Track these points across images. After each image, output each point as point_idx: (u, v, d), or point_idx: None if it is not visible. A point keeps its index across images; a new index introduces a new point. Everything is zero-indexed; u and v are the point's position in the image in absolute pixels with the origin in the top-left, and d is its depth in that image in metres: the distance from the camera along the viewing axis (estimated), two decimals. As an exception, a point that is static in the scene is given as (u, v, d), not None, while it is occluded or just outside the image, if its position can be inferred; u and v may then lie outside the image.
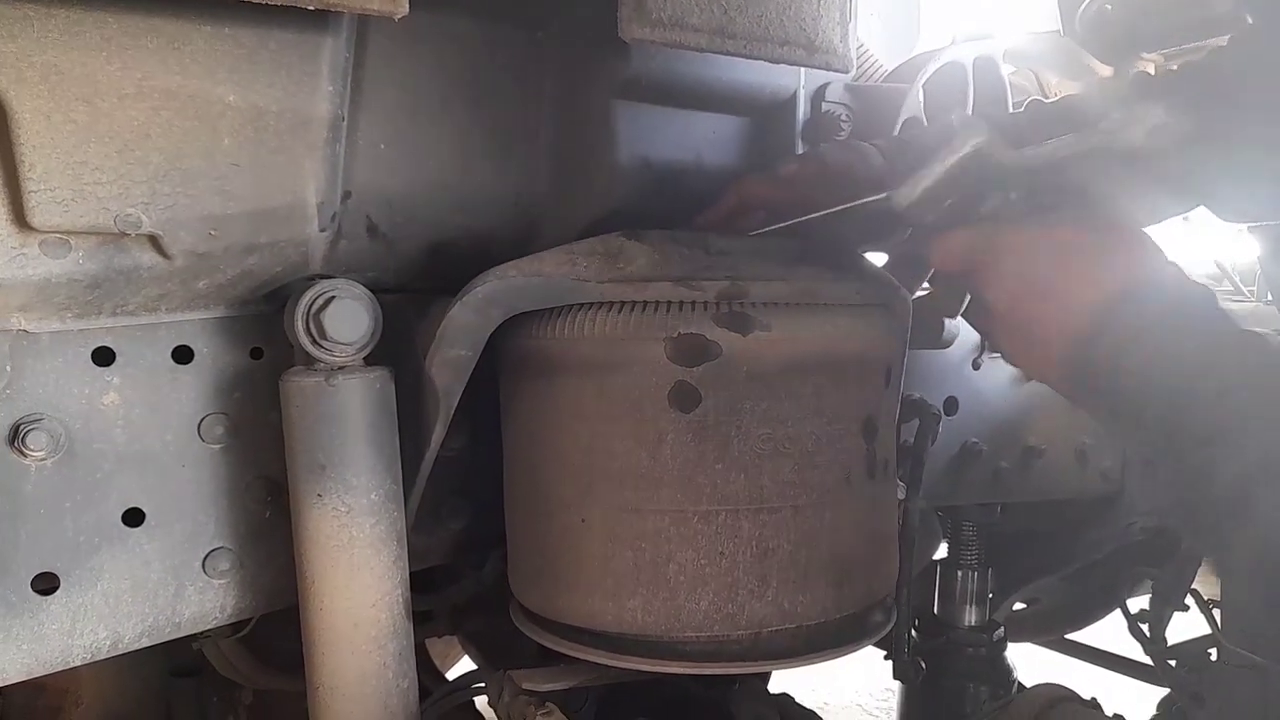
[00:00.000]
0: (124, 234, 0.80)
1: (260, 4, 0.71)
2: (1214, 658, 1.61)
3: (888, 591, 1.03)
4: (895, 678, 1.27)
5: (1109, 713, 1.32)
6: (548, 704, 0.94)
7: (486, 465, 1.07)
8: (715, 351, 0.87)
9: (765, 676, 1.42)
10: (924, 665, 1.24)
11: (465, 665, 1.88)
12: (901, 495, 1.13)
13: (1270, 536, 0.68)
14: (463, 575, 1.26)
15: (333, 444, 0.89)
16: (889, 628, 1.03)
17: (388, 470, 0.92)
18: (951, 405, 1.46)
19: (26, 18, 0.71)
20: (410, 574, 0.96)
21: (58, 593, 0.87)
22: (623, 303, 0.89)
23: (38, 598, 0.86)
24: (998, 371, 1.53)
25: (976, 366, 1.51)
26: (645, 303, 0.88)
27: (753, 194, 1.04)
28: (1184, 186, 0.92)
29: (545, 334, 0.92)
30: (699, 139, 1.09)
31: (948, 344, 1.34)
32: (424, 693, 1.03)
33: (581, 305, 0.90)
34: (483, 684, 1.14)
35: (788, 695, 1.37)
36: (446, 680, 1.43)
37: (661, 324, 0.87)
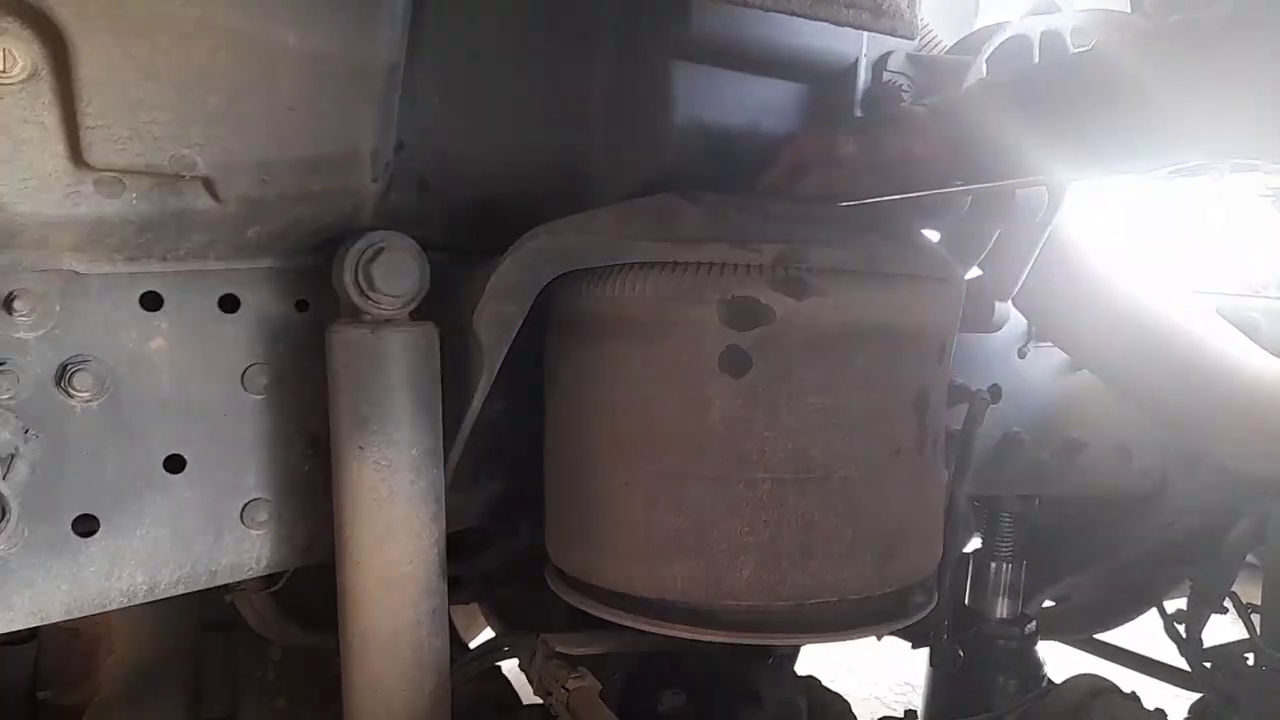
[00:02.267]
0: (179, 176, 0.79)
1: None
2: (1251, 662, 1.58)
3: (931, 571, 1.01)
4: (931, 664, 1.25)
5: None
6: (580, 668, 0.93)
7: (525, 430, 1.06)
8: (769, 316, 0.85)
9: (793, 658, 1.40)
10: (962, 653, 1.22)
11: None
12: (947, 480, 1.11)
13: None
14: (496, 541, 1.25)
15: (377, 396, 0.88)
16: (930, 608, 1.01)
17: (430, 427, 0.91)
18: (995, 393, 1.43)
19: (91, -50, 0.70)
20: (444, 536, 0.95)
21: (97, 535, 0.87)
22: (675, 263, 0.87)
23: (78, 539, 0.86)
24: (1043, 361, 1.50)
25: (1022, 355, 1.47)
26: (699, 264, 0.87)
27: (810, 152, 1.02)
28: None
29: (595, 293, 0.90)
30: (756, 104, 1.07)
31: (998, 327, 1.31)
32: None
33: (633, 265, 0.89)
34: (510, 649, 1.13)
35: (814, 678, 1.36)
36: (469, 649, 1.42)
37: (715, 286, 0.86)
